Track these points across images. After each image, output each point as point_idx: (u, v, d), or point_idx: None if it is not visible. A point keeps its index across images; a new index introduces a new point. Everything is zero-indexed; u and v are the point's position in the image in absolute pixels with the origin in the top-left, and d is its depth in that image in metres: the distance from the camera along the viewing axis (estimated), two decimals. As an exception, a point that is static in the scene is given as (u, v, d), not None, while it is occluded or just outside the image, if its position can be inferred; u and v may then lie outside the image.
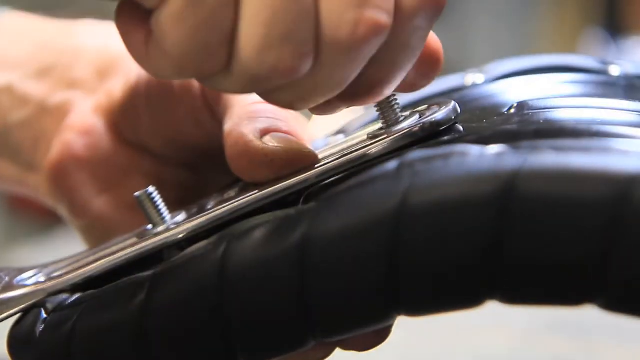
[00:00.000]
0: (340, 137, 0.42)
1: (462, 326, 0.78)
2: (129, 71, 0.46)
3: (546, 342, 0.73)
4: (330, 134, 0.45)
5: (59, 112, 0.47)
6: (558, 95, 0.41)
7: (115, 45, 0.46)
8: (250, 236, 0.35)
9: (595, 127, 0.36)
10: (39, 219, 1.79)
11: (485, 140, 0.35)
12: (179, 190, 0.46)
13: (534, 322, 0.80)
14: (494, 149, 0.34)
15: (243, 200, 0.37)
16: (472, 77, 0.44)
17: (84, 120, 0.46)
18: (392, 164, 0.35)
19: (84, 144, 0.46)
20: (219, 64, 0.34)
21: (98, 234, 0.45)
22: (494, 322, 0.81)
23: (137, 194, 0.39)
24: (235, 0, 0.33)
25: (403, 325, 0.75)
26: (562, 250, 0.32)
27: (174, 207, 0.40)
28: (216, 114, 0.43)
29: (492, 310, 0.87)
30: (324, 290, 0.34)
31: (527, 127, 0.36)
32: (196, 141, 0.45)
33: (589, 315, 0.83)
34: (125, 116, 0.46)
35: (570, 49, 2.45)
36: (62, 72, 0.47)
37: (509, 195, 0.32)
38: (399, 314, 0.35)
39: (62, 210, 0.47)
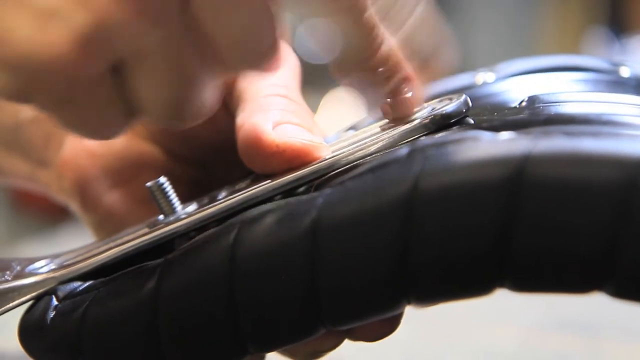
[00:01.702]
0: (352, 132, 0.43)
1: (467, 323, 0.78)
2: None
3: (552, 339, 0.73)
4: (342, 130, 0.45)
5: None
6: (569, 90, 0.41)
7: None
8: (261, 222, 0.35)
9: (606, 117, 0.36)
10: (42, 217, 1.79)
11: (496, 129, 0.35)
12: (190, 186, 0.46)
13: (540, 320, 0.80)
14: (505, 135, 0.34)
15: (254, 190, 0.38)
16: (483, 76, 0.44)
17: None
18: (403, 150, 0.35)
19: None
20: None
21: (109, 229, 0.46)
22: (500, 319, 0.81)
23: (148, 184, 0.40)
24: None
25: (408, 322, 0.75)
26: (572, 234, 0.32)
27: (185, 202, 0.41)
28: (229, 108, 0.43)
29: (498, 308, 0.87)
30: (334, 276, 0.35)
31: (537, 117, 0.36)
32: (209, 136, 0.45)
33: (596, 313, 0.84)
34: None
35: (574, 48, 2.45)
36: None
37: (519, 178, 0.32)
38: (409, 302, 0.35)
39: (74, 206, 0.47)
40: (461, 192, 0.33)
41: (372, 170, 0.35)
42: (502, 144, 0.34)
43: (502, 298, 0.91)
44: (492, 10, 2.98)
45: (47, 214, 1.78)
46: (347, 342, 0.67)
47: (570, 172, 0.32)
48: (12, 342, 0.63)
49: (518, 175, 0.32)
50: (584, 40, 2.41)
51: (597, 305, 0.87)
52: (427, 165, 0.34)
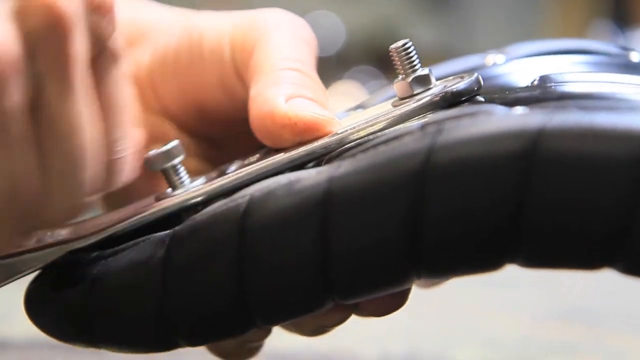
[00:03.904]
0: (360, 110, 0.43)
1: (471, 313, 0.78)
2: (157, 41, 0.46)
3: (556, 329, 0.72)
4: (350, 108, 0.45)
5: None
6: (581, 71, 0.41)
7: (143, 17, 0.47)
8: (272, 193, 0.35)
9: (620, 95, 0.36)
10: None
11: (509, 104, 0.35)
12: (201, 163, 0.46)
13: (544, 309, 0.80)
14: (519, 109, 0.34)
15: (264, 164, 0.38)
16: (492, 58, 0.44)
17: None
18: (416, 123, 0.35)
19: None
20: None
21: (118, 202, 0.45)
22: (505, 309, 0.81)
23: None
24: None
25: (413, 312, 0.75)
26: (585, 208, 0.32)
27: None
28: (245, 81, 0.43)
29: (503, 297, 0.87)
30: (345, 248, 0.34)
31: (551, 95, 0.36)
32: (223, 111, 0.45)
33: (600, 302, 0.84)
34: (152, 85, 0.46)
35: (577, 41, 2.44)
36: None
37: (533, 152, 0.32)
38: (419, 276, 0.35)
39: None
40: (475, 165, 0.33)
41: (384, 142, 0.35)
42: (517, 117, 0.33)
43: (507, 287, 0.91)
44: (495, 5, 2.98)
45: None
46: (353, 333, 0.67)
47: (586, 147, 0.32)
48: (16, 330, 0.63)
49: (532, 149, 0.32)
50: (588, 33, 2.41)
51: (602, 294, 0.87)
52: (440, 139, 0.34)
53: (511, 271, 0.96)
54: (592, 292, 0.87)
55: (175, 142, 0.40)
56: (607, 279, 0.96)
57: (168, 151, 0.40)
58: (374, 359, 0.61)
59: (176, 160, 0.40)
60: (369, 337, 0.66)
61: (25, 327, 0.63)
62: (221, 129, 0.46)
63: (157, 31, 0.46)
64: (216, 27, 0.44)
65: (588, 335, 0.71)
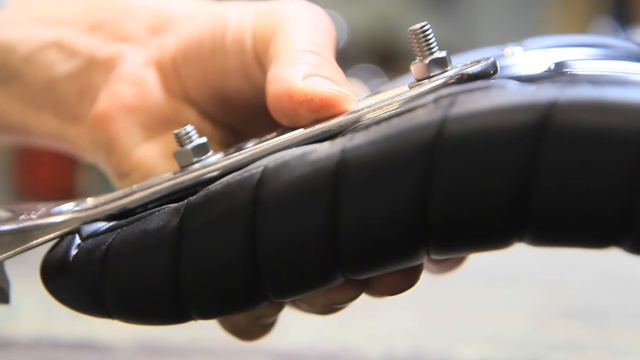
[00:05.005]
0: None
1: (476, 311, 0.78)
2: (182, 28, 0.47)
3: (561, 326, 0.73)
4: (363, 96, 0.45)
5: (108, 64, 0.48)
6: (597, 59, 0.41)
7: (168, 4, 0.48)
8: (286, 164, 0.36)
9: (633, 78, 0.36)
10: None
11: (522, 82, 0.35)
12: (221, 149, 0.46)
13: (548, 307, 0.80)
14: (532, 85, 0.34)
15: (280, 140, 0.38)
16: (511, 50, 0.44)
17: (134, 71, 0.47)
18: (430, 97, 0.35)
19: (132, 93, 0.47)
20: None
21: (136, 182, 0.46)
22: (509, 306, 0.81)
23: (175, 131, 0.40)
24: None
25: (417, 311, 0.75)
26: (595, 184, 0.32)
27: None
28: (264, 67, 0.44)
29: (507, 295, 0.87)
30: (355, 220, 0.35)
31: (564, 75, 0.36)
32: (244, 99, 0.46)
33: (604, 299, 0.84)
34: (176, 70, 0.47)
35: (579, 38, 2.44)
36: (114, 27, 0.48)
37: (545, 125, 0.32)
38: (428, 251, 0.35)
39: (102, 160, 0.48)
40: (487, 136, 0.33)
41: (397, 115, 0.35)
42: (529, 91, 0.34)
43: (511, 285, 0.91)
44: (497, 4, 2.98)
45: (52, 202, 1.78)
46: (356, 332, 0.67)
47: (598, 120, 0.32)
48: (23, 327, 0.63)
49: (545, 121, 0.32)
50: (590, 30, 2.41)
51: (606, 291, 0.87)
52: (453, 111, 0.34)
53: (515, 269, 0.97)
54: (596, 288, 0.87)
55: (203, 139, 0.40)
56: (611, 275, 0.96)
57: (197, 147, 0.40)
58: (379, 357, 0.61)
59: (194, 135, 0.40)
60: (374, 336, 0.66)
61: (30, 326, 0.63)
62: (242, 116, 0.47)
63: (182, 19, 0.47)
64: (239, 16, 0.46)
65: (592, 332, 0.71)
